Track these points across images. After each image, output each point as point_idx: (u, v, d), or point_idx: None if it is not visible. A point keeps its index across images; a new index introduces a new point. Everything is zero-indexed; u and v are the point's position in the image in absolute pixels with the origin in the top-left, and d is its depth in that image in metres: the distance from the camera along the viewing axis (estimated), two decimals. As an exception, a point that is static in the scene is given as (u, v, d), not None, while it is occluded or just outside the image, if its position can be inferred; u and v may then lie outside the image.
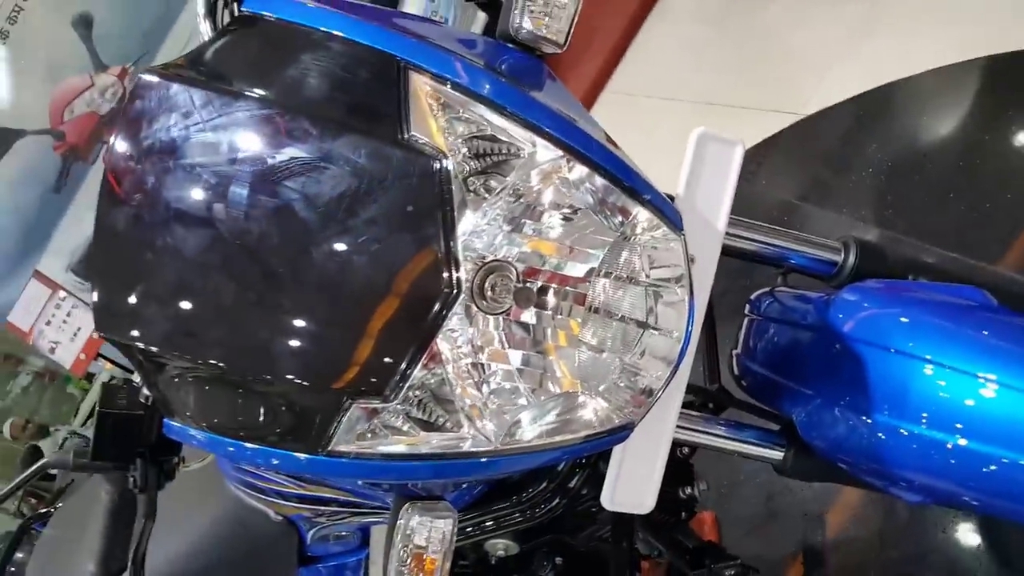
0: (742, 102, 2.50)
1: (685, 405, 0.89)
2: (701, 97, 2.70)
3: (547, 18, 0.75)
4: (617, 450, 0.80)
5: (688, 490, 1.23)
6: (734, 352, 1.06)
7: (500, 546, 1.16)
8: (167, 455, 0.84)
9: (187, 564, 1.34)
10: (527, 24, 0.74)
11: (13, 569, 2.19)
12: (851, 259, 0.93)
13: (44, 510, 2.30)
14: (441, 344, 0.64)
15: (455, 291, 0.63)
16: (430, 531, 0.72)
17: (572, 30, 0.76)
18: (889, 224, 1.84)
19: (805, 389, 0.89)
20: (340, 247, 0.63)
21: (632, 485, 0.80)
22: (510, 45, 0.77)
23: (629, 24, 3.29)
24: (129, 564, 0.82)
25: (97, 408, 0.80)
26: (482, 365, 0.66)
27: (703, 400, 1.03)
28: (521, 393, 0.67)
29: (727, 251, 0.88)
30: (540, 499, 0.99)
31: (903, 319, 0.80)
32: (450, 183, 0.63)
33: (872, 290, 0.86)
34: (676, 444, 1.20)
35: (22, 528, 2.28)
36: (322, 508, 1.01)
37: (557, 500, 0.99)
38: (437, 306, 0.63)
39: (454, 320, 0.64)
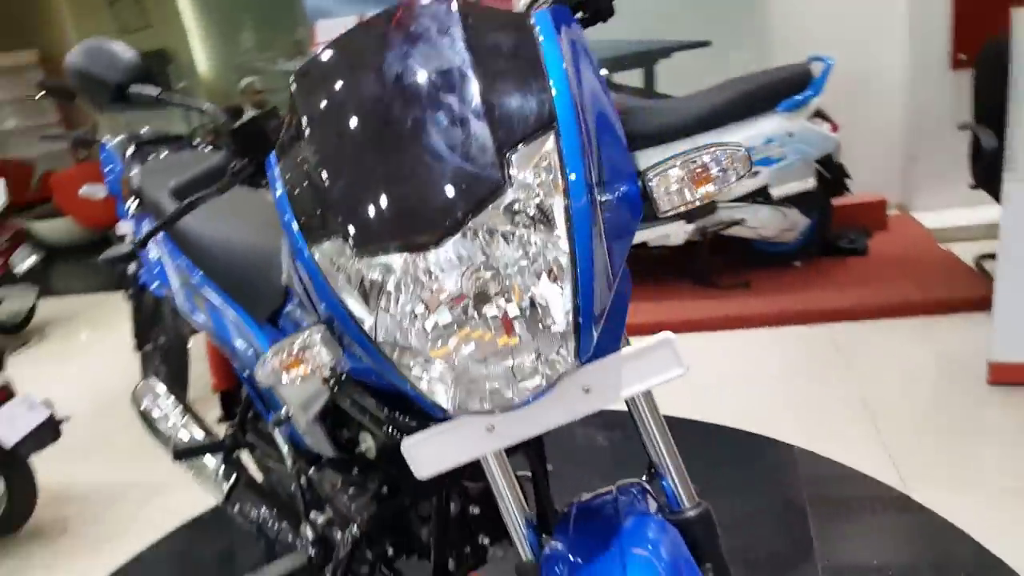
0: (883, 437, 2.47)
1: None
2: (808, 407, 2.66)
3: (673, 195, 0.92)
4: (446, 425, 0.98)
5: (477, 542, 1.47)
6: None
7: (367, 443, 1.35)
8: (259, 177, 1.09)
9: (209, 237, 1.71)
10: (664, 202, 0.93)
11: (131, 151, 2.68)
12: None
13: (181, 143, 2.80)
14: (419, 259, 0.83)
15: (445, 236, 0.82)
16: (316, 352, 0.96)
17: (670, 209, 0.93)
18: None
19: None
20: (420, 145, 0.86)
21: (430, 452, 0.99)
22: (639, 180, 0.93)
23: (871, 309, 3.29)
24: (184, 202, 1.12)
25: (255, 112, 1.08)
26: (421, 300, 0.84)
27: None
28: (414, 335, 0.86)
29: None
30: (396, 426, 1.19)
31: None
32: (498, 198, 0.83)
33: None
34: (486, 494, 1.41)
35: (168, 137, 2.84)
36: (304, 301, 1.23)
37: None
38: (430, 235, 0.82)
39: (443, 256, 0.83)
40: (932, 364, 2.92)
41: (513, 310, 0.84)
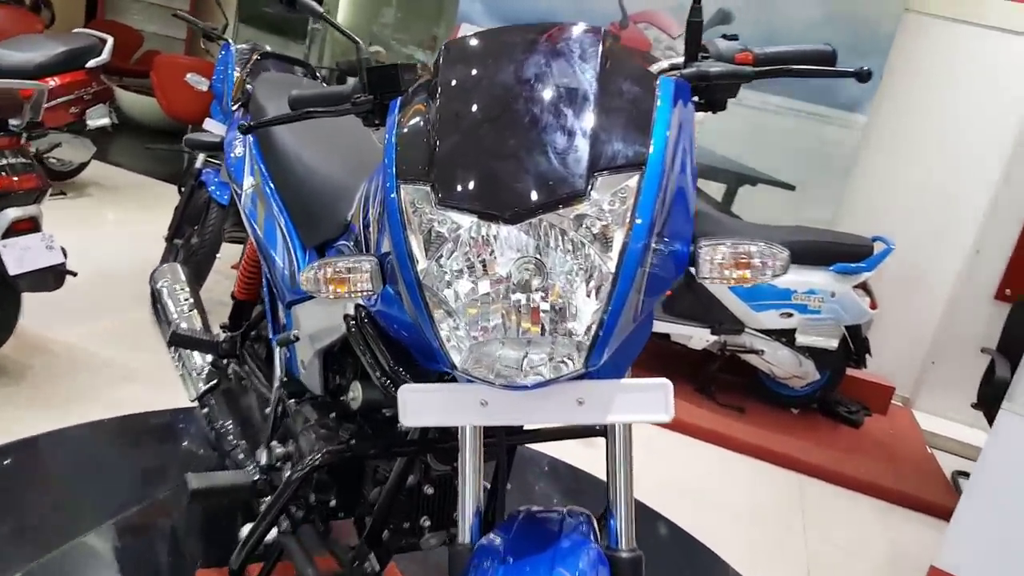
0: None
1: None
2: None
3: (715, 267, 0.99)
4: (446, 385, 1.05)
5: (418, 522, 1.51)
6: None
7: (355, 392, 1.43)
8: (373, 116, 1.23)
9: (294, 156, 1.77)
10: (705, 270, 1.00)
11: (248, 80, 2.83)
12: None
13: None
14: (485, 227, 0.93)
15: (516, 218, 0.91)
16: (361, 277, 1.05)
17: (708, 278, 1.00)
18: None
19: None
20: (529, 136, 0.95)
21: (422, 404, 1.03)
22: (691, 247, 1.02)
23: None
24: (299, 111, 1.26)
25: (387, 65, 1.21)
26: (475, 264, 0.94)
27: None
28: (453, 291, 0.95)
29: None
30: (396, 377, 1.24)
31: None
32: (573, 205, 0.92)
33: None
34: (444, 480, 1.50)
35: (292, 59, 2.99)
36: (362, 237, 1.32)
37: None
38: (504, 210, 0.92)
39: (506, 233, 0.92)
40: (879, 547, 3.05)
41: (545, 306, 0.92)
